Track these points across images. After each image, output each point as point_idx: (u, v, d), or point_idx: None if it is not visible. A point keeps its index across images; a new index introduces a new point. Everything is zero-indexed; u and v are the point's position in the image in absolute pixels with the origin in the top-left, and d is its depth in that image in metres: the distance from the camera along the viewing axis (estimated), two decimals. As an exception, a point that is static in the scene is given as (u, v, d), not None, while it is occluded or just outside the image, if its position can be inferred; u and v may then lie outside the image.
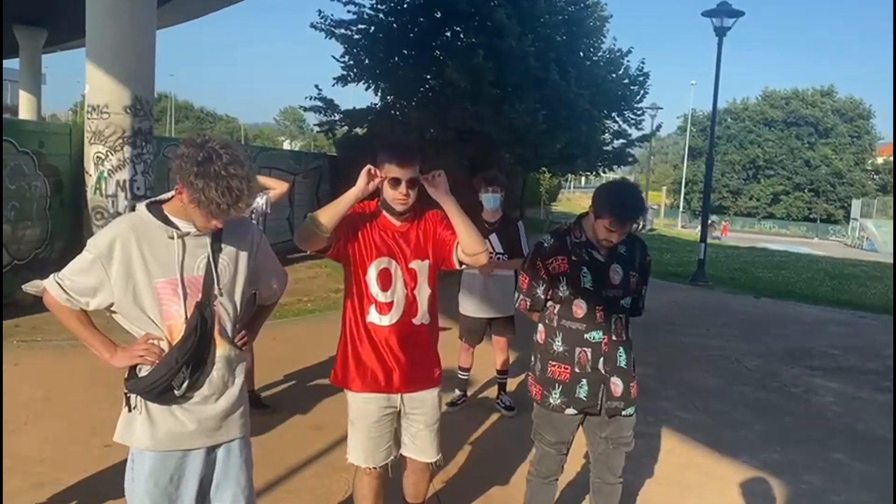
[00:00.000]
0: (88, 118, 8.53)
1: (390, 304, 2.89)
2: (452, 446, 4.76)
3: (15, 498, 3.68)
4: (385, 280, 2.87)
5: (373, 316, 2.90)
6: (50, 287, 2.24)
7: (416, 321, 2.94)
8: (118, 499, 2.50)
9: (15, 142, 8.00)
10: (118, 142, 8.47)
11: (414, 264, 2.91)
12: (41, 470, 4.03)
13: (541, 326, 3.20)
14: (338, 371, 3.01)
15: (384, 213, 2.92)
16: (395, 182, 2.80)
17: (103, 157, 8.46)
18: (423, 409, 3.01)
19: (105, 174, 8.49)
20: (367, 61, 15.56)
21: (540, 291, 3.12)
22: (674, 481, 4.45)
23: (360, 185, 2.76)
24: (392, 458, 3.04)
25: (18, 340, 6.74)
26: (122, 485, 2.39)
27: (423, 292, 2.94)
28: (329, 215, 2.75)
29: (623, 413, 3.12)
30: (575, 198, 61.07)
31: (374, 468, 2.98)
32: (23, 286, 2.39)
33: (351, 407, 2.98)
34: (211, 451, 2.39)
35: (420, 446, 3.04)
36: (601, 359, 3.05)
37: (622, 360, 3.10)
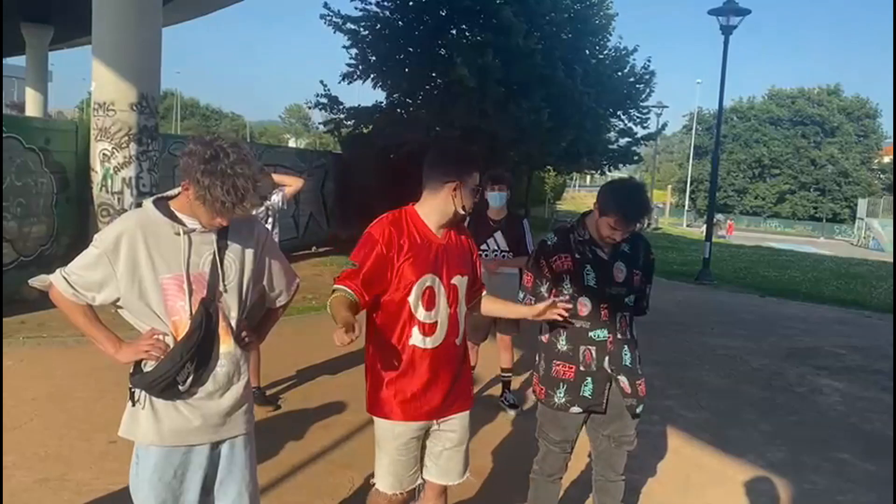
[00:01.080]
0: (94, 115, 8.55)
1: (434, 325, 2.67)
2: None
3: (20, 493, 3.70)
4: (430, 299, 2.65)
5: (416, 338, 2.65)
6: (56, 282, 2.24)
7: (457, 341, 2.76)
8: (123, 494, 2.49)
9: (21, 138, 8.03)
10: (124, 139, 8.49)
11: (455, 280, 2.72)
12: (46, 465, 4.04)
13: (545, 325, 3.19)
14: (374, 400, 2.72)
15: (427, 223, 2.70)
16: (477, 190, 2.71)
17: (109, 154, 8.47)
18: (453, 429, 2.81)
19: (111, 171, 8.50)
20: (373, 58, 15.57)
21: (544, 290, 3.11)
22: (679, 480, 4.44)
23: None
24: (420, 481, 2.83)
25: (24, 337, 6.76)
26: (128, 480, 2.39)
27: (462, 310, 2.76)
28: (332, 310, 2.52)
29: (637, 411, 3.12)
30: (580, 196, 61.05)
31: (402, 493, 2.77)
32: (29, 281, 2.41)
33: (383, 434, 2.73)
34: (215, 446, 2.39)
35: (444, 468, 2.81)
36: (606, 357, 3.05)
37: (627, 359, 3.10)
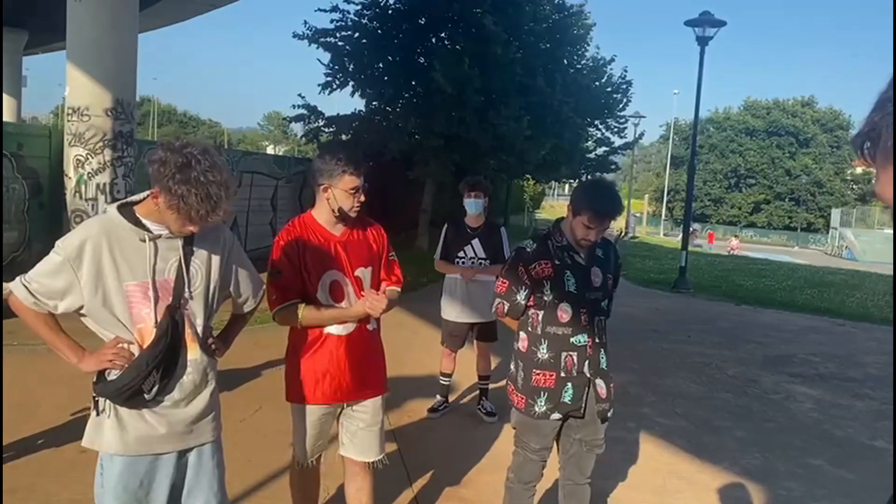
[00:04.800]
0: (69, 120, 8.44)
1: None
2: (433, 452, 4.75)
3: (-15, 505, 3.61)
4: (338, 292, 2.92)
5: (331, 327, 2.91)
6: (16, 290, 2.18)
7: (369, 327, 3.01)
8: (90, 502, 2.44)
9: (-8, 143, 7.90)
10: (99, 144, 8.38)
11: (359, 272, 2.96)
12: (14, 476, 3.95)
13: (522, 334, 3.17)
14: (290, 387, 3.00)
15: (323, 224, 2.95)
16: (356, 191, 2.87)
17: (83, 159, 8.36)
18: (365, 411, 3.05)
19: (85, 177, 8.39)
20: (351, 67, 15.52)
21: (521, 297, 3.09)
22: (654, 487, 4.44)
23: (359, 311, 2.85)
24: (323, 450, 3.15)
25: (-7, 345, 6.62)
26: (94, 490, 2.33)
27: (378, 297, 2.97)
28: (312, 323, 2.87)
29: (608, 415, 3.15)
30: (559, 205, 61.27)
31: (313, 460, 3.09)
32: (-8, 288, 2.34)
33: (297, 414, 3.01)
34: (182, 455, 2.35)
35: (359, 446, 3.06)
36: (586, 362, 3.06)
37: (603, 362, 3.13)
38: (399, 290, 3.14)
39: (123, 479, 2.25)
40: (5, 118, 24.12)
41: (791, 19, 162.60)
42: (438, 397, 5.58)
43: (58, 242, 2.20)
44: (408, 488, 4.15)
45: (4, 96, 25.44)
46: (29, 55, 27.30)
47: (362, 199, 2.89)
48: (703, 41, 14.45)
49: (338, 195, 2.86)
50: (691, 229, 17.56)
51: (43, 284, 2.16)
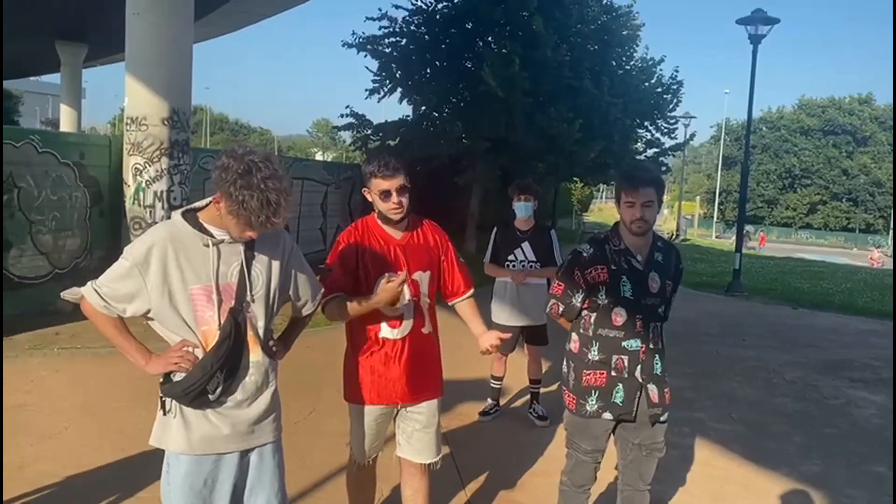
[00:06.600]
0: (127, 130, 8.69)
1: (400, 318, 2.96)
2: (485, 455, 4.75)
3: (53, 501, 3.75)
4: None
5: (385, 331, 2.96)
6: (87, 294, 2.26)
7: (424, 330, 3.03)
8: (156, 503, 2.52)
9: (57, 153, 8.20)
10: (156, 153, 8.61)
11: (417, 275, 2.99)
12: (80, 475, 4.09)
13: (574, 335, 3.17)
14: (348, 388, 3.06)
15: (383, 226, 3.00)
16: (386, 194, 2.89)
17: (141, 168, 8.61)
18: (421, 413, 3.08)
19: (143, 185, 8.63)
20: (399, 74, 15.65)
21: (576, 300, 3.09)
22: (711, 493, 4.38)
23: (384, 298, 2.82)
24: (380, 452, 3.21)
25: (59, 348, 6.87)
26: (160, 489, 2.41)
27: (425, 302, 3.02)
28: (354, 313, 2.90)
29: (661, 419, 3.11)
30: (607, 208, 60.68)
31: (369, 461, 3.15)
32: (61, 294, 2.44)
33: (355, 416, 3.07)
34: (244, 455, 2.41)
35: (416, 447, 3.09)
36: (638, 366, 3.03)
37: (658, 368, 3.09)
38: (471, 294, 3.19)
39: (189, 477, 2.31)
40: (67, 129, 24.99)
41: (846, 14, 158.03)
42: (489, 401, 5.58)
43: (126, 248, 2.28)
44: (461, 491, 4.16)
45: (66, 108, 26.38)
46: (88, 67, 28.17)
47: (397, 201, 2.89)
48: (755, 39, 14.18)
49: (374, 198, 2.94)
50: (744, 231, 17.20)
51: (112, 289, 2.24)
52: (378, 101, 15.72)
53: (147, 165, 8.60)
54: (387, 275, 2.84)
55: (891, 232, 50.38)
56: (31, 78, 43.05)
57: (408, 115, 16.71)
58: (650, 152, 20.91)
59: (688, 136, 24.66)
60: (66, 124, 25.91)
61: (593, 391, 3.06)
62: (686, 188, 58.19)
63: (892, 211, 46.45)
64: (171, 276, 2.23)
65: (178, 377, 2.28)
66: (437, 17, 15.66)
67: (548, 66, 14.05)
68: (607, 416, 3.07)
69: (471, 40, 15.69)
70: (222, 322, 2.27)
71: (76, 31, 22.06)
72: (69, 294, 2.35)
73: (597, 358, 3.06)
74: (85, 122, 32.62)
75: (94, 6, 17.21)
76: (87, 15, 19.09)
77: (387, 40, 15.65)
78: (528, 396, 5.67)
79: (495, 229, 5.55)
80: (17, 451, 4.34)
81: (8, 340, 6.92)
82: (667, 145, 20.93)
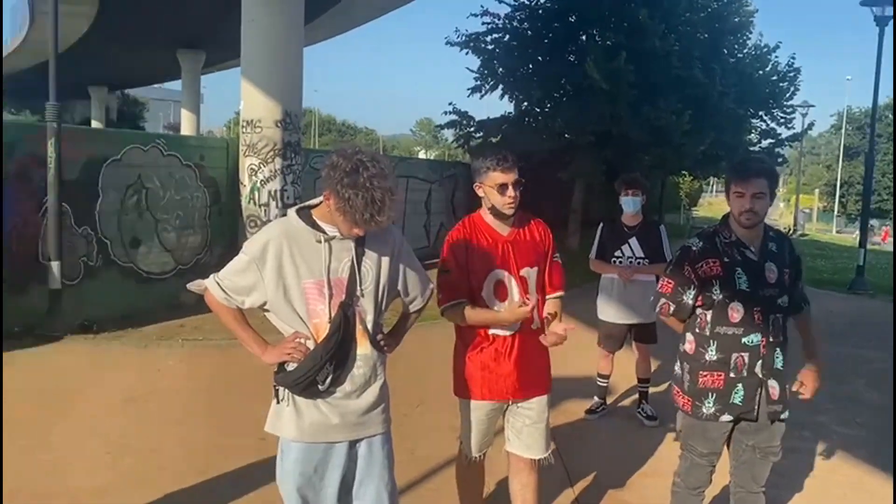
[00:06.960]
0: (243, 132, 9.12)
1: None
2: (592, 453, 4.69)
3: (179, 484, 3.99)
4: (502, 291, 2.98)
5: (495, 328, 2.98)
6: (210, 286, 2.41)
7: (533, 327, 3.03)
8: (271, 486, 2.65)
9: (180, 156, 8.71)
10: (270, 154, 8.99)
11: (524, 272, 3.00)
12: (203, 459, 4.33)
13: (689, 336, 3.06)
14: (458, 384, 3.10)
15: (490, 224, 3.02)
16: (503, 188, 2.90)
17: (256, 168, 9.01)
18: (531, 408, 3.09)
19: (258, 184, 9.03)
20: (500, 70, 15.62)
21: (688, 297, 2.99)
22: (834, 499, 4.16)
23: (511, 319, 2.90)
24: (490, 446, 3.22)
25: (182, 339, 7.30)
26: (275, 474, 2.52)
27: (534, 298, 3.00)
28: (473, 322, 2.96)
29: (781, 417, 2.98)
30: (717, 202, 58.36)
31: (480, 455, 3.17)
32: (187, 285, 2.60)
33: (465, 411, 3.11)
34: (353, 445, 2.48)
35: (525, 443, 3.10)
36: (759, 362, 2.91)
37: (779, 362, 2.96)
38: (560, 295, 3.16)
39: (300, 463, 2.41)
40: (187, 132, 26.43)
41: None
42: (596, 399, 5.50)
43: (244, 244, 2.41)
44: (568, 488, 4.12)
45: (186, 112, 27.89)
46: (205, 74, 29.66)
47: (513, 195, 2.91)
48: (882, 21, 13.29)
49: (488, 192, 2.95)
50: (868, 225, 16.16)
51: (233, 282, 2.38)
52: (480, 98, 15.73)
53: (262, 166, 8.99)
54: (517, 299, 2.91)
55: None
56: (155, 85, 45.82)
57: (509, 112, 16.65)
58: (765, 143, 19.96)
59: (806, 126, 23.43)
60: (187, 128, 27.44)
61: (710, 393, 2.96)
62: (804, 180, 55.25)
63: (893, 211, 43.11)
64: (285, 270, 2.33)
65: (290, 367, 2.38)
66: (540, 11, 15.53)
67: (655, 57, 13.66)
68: (725, 417, 2.96)
69: (574, 34, 15.47)
70: (332, 315, 2.35)
71: (195, 39, 23.30)
72: (194, 285, 2.51)
73: (714, 358, 2.95)
74: (203, 125, 34.47)
75: (213, 15, 18.14)
76: (205, 23, 20.14)
77: (489, 37, 15.65)
78: (637, 395, 5.54)
79: (601, 225, 5.44)
80: (146, 438, 4.67)
81: (137, 332, 7.45)
82: (783, 136, 19.90)
